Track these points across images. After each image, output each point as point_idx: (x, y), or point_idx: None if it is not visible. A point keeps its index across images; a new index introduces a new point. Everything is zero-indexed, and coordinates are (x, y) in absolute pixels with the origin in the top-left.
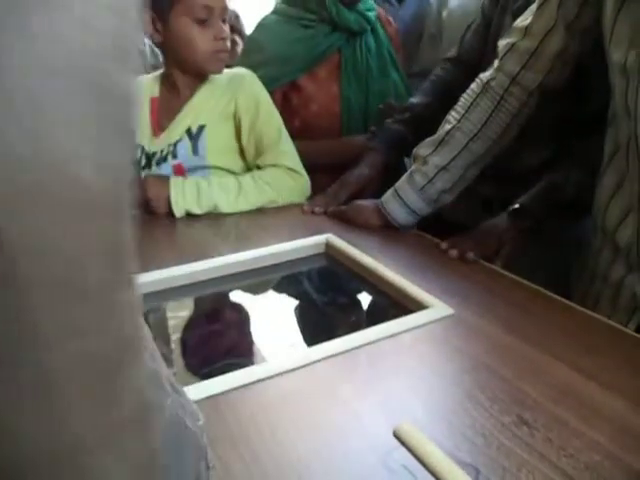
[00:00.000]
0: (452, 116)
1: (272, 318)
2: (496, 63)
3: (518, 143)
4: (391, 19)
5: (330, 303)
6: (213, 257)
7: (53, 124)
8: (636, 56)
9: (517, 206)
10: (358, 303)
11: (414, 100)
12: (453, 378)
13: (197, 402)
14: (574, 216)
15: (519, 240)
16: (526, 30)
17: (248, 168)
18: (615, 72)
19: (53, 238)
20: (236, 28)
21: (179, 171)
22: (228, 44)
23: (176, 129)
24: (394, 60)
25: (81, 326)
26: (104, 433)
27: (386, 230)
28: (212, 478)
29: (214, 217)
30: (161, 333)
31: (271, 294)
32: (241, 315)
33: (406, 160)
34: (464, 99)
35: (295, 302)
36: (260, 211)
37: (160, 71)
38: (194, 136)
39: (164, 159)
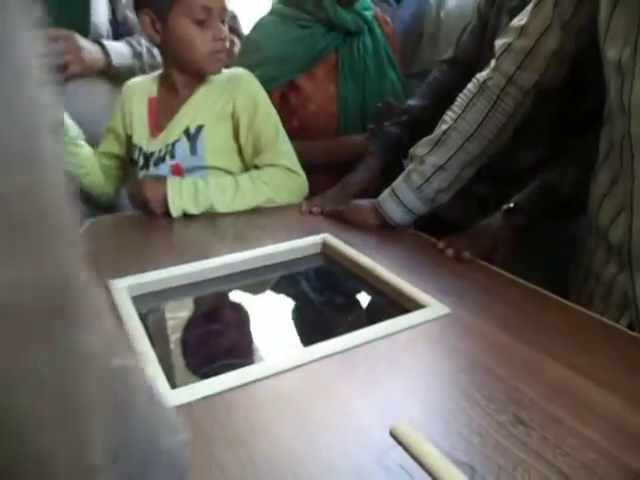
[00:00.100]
0: (449, 116)
1: (269, 318)
2: (493, 63)
3: (514, 142)
4: (388, 19)
5: (327, 303)
6: (210, 257)
7: None
8: (631, 52)
9: (511, 205)
10: (355, 303)
11: (412, 103)
12: (449, 377)
13: (193, 403)
14: (570, 215)
15: (514, 241)
16: (522, 30)
17: (246, 168)
18: (610, 69)
19: None
20: (234, 29)
21: (177, 171)
22: (227, 45)
23: (174, 129)
24: (391, 59)
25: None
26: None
27: (382, 230)
28: (208, 478)
29: (211, 217)
30: (160, 333)
31: (268, 294)
32: (238, 315)
33: (404, 163)
34: (461, 99)
35: (292, 302)
36: (257, 211)
37: (158, 72)
38: (192, 136)
39: (162, 159)
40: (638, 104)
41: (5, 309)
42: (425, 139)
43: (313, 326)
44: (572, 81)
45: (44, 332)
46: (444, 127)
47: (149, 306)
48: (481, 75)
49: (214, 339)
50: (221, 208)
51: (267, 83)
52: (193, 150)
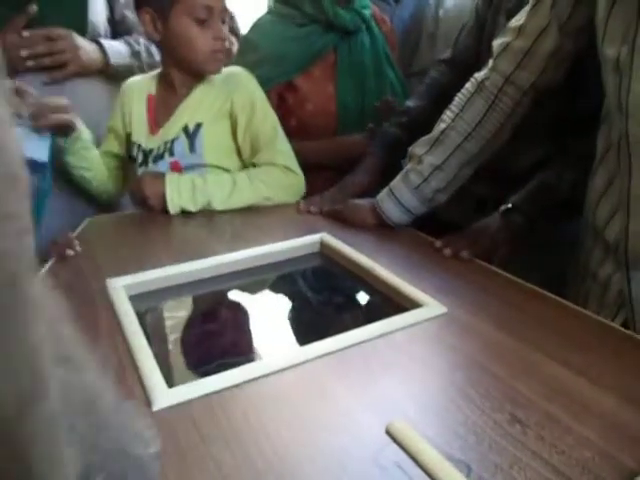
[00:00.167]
0: (447, 115)
1: (267, 317)
2: (490, 63)
3: (512, 142)
4: (386, 18)
5: (325, 302)
6: (208, 257)
7: None
8: (629, 52)
9: (510, 205)
10: (353, 302)
11: (410, 104)
12: (446, 376)
13: (190, 401)
14: (568, 215)
15: (512, 241)
16: (520, 30)
17: (244, 167)
18: (608, 69)
19: None
20: (231, 28)
21: (176, 168)
22: (227, 44)
23: (173, 127)
24: (390, 58)
25: None
26: None
27: (380, 229)
28: (205, 477)
29: (209, 216)
30: (157, 332)
31: (266, 293)
32: (236, 314)
33: (403, 163)
34: (459, 98)
35: (290, 301)
36: (255, 210)
37: (157, 70)
38: (191, 134)
39: (161, 156)
40: (636, 104)
41: None
42: (423, 138)
43: (311, 325)
44: (571, 81)
45: None
46: (442, 126)
47: (147, 305)
48: (479, 75)
49: (212, 338)
50: (218, 205)
51: (265, 83)
52: (192, 148)
